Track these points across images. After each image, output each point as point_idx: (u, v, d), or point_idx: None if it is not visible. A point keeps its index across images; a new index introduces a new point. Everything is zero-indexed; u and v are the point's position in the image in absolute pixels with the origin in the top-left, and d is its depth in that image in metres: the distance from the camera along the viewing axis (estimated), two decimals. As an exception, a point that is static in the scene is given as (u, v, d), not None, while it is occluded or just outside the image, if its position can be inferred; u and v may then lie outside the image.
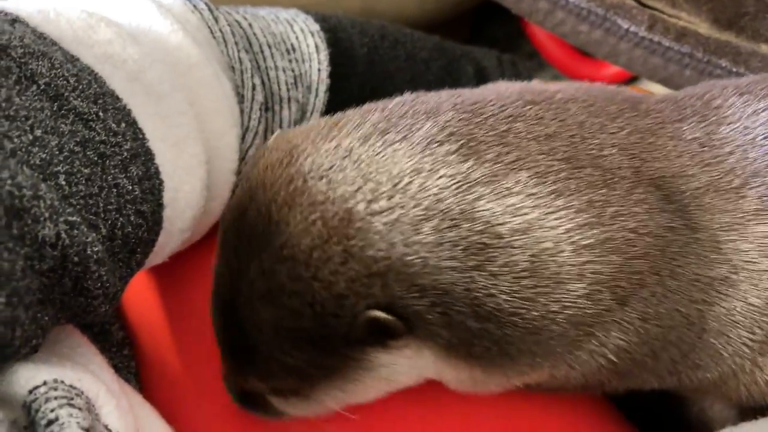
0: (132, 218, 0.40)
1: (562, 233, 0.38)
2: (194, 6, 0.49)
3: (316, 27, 0.53)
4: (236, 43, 0.50)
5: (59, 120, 0.38)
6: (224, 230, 0.42)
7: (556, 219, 0.38)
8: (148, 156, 0.42)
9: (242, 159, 0.50)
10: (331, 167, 0.38)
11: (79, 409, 0.33)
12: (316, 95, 0.52)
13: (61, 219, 0.35)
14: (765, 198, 0.42)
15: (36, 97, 0.37)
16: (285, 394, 0.44)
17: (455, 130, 0.39)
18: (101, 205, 0.38)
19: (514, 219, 0.38)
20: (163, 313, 0.53)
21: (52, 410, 0.32)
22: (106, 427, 0.36)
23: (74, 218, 0.35)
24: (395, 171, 0.38)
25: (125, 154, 0.40)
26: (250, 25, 0.52)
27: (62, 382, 0.34)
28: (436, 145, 0.39)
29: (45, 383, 0.34)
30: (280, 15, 0.55)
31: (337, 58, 0.53)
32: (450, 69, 0.59)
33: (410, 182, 0.38)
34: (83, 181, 0.37)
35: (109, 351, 0.50)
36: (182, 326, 0.52)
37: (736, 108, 0.44)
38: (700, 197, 0.42)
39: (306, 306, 0.38)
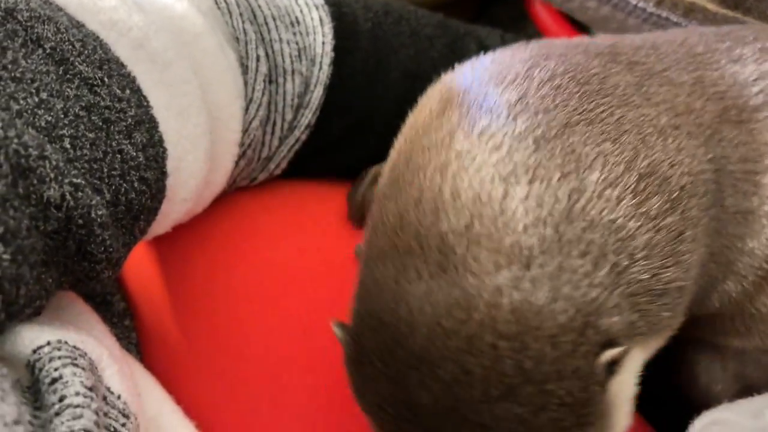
0: (136, 184, 0.40)
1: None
2: None
3: (320, 0, 0.53)
4: (240, 14, 0.50)
5: (65, 84, 0.38)
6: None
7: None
8: (152, 123, 0.42)
9: (245, 131, 0.50)
10: None
11: (83, 368, 0.33)
12: (320, 68, 0.52)
13: (66, 181, 0.35)
14: None
15: (42, 61, 0.37)
16: None
17: None
18: (105, 170, 0.38)
19: None
20: (165, 285, 0.53)
21: (56, 369, 0.33)
22: (108, 389, 0.36)
23: (79, 181, 0.35)
24: None
25: (129, 120, 0.40)
26: None
27: (66, 342, 0.35)
28: None
29: (49, 343, 0.34)
30: None
31: (341, 32, 0.53)
32: (454, 46, 0.59)
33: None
34: (88, 146, 0.37)
35: (110, 321, 0.50)
36: (183, 298, 0.52)
37: (720, 54, 0.44)
38: (716, 126, 0.41)
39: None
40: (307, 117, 0.53)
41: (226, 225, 0.53)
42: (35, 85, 0.36)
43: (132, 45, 0.42)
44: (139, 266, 0.54)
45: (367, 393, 0.38)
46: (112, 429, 0.35)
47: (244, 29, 0.50)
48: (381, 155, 0.56)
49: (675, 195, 0.38)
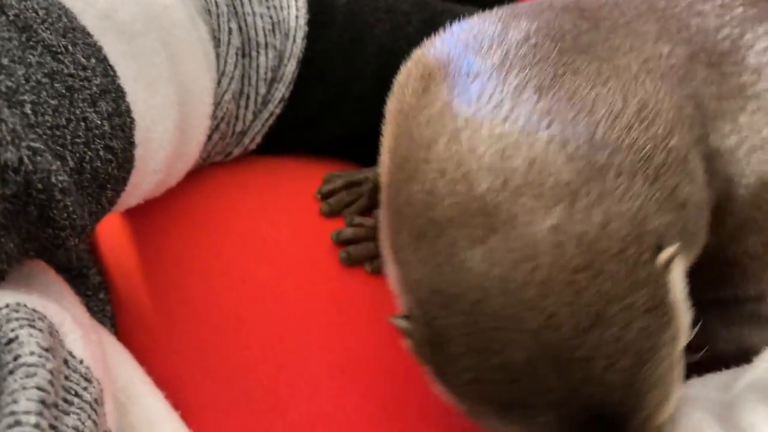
0: (101, 153, 0.40)
1: None
2: None
3: None
4: None
5: (27, 51, 0.38)
6: None
7: None
8: (118, 93, 0.42)
9: (218, 104, 0.50)
10: None
11: (40, 330, 0.34)
12: (294, 42, 0.52)
13: (23, 144, 0.35)
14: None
15: (4, 28, 0.38)
16: None
17: None
18: (69, 137, 0.38)
19: None
20: (140, 260, 0.53)
21: (12, 330, 0.33)
22: (70, 353, 0.36)
23: (37, 145, 0.35)
24: None
25: (94, 89, 0.40)
26: None
27: (24, 305, 0.35)
28: None
29: (8, 306, 0.34)
30: None
31: (317, 6, 0.53)
32: (431, 23, 0.59)
33: None
34: (50, 112, 0.37)
35: (85, 294, 0.50)
36: (158, 273, 0.52)
37: (682, 8, 0.46)
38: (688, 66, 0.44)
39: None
40: (281, 91, 0.53)
41: (201, 200, 0.54)
42: None
43: (99, 15, 0.42)
44: (115, 240, 0.54)
45: (456, 372, 0.38)
46: (73, 392, 0.35)
47: (216, 2, 0.50)
48: (356, 131, 0.56)
49: (670, 125, 0.40)
